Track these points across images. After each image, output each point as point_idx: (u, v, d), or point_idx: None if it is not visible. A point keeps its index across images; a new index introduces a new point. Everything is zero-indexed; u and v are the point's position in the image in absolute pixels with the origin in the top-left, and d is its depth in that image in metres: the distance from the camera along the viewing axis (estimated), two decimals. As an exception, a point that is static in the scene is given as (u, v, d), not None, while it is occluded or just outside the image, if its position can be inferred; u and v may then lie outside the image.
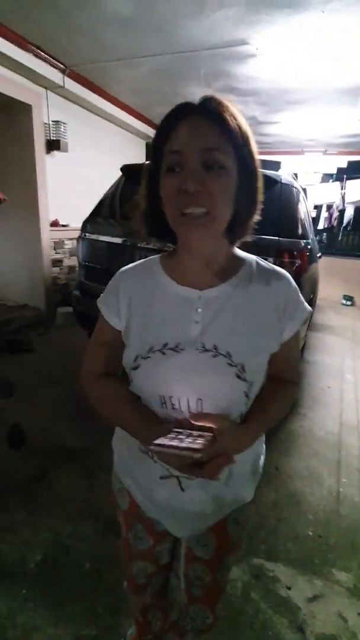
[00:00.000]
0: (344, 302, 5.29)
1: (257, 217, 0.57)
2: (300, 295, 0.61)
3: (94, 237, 2.29)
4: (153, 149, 0.52)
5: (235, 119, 0.49)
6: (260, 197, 0.55)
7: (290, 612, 1.15)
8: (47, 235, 3.50)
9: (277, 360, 0.60)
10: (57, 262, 3.69)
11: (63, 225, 3.63)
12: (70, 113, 3.50)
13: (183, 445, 0.45)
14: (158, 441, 0.46)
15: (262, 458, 0.70)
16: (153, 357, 0.56)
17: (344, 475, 1.78)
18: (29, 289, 3.67)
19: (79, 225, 2.39)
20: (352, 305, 5.26)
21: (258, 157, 0.53)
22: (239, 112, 0.50)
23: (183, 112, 0.49)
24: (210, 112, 0.48)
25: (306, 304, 0.62)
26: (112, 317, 0.61)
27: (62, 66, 3.01)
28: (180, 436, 0.48)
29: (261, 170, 0.54)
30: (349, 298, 5.28)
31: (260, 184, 0.54)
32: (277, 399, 0.62)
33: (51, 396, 2.31)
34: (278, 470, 1.78)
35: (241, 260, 0.61)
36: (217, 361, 0.54)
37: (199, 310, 0.56)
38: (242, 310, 0.57)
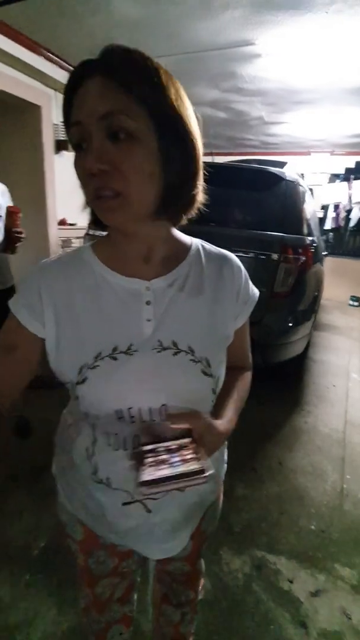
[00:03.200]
0: (352, 302, 5.24)
1: (200, 183, 0.47)
2: (249, 279, 0.58)
3: (98, 234, 2.33)
4: (64, 123, 0.44)
5: (142, 70, 0.39)
6: (200, 162, 0.46)
7: (292, 606, 1.14)
8: (55, 234, 3.55)
9: (233, 347, 0.57)
10: (64, 261, 3.75)
11: (70, 224, 3.68)
12: (79, 114, 3.57)
13: (180, 470, 0.38)
14: (147, 478, 0.37)
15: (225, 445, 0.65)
16: (103, 365, 0.47)
17: (348, 471, 1.76)
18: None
19: (86, 223, 2.43)
20: (359, 306, 5.22)
21: (191, 112, 0.43)
22: (153, 62, 0.40)
23: (87, 72, 0.39)
24: (110, 66, 0.39)
25: (255, 288, 0.59)
26: (32, 320, 0.48)
27: (70, 67, 3.08)
28: (160, 456, 0.41)
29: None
30: (356, 299, 5.24)
31: (198, 144, 0.44)
32: (242, 386, 0.60)
33: (56, 390, 2.34)
34: (281, 465, 1.77)
35: (186, 244, 0.55)
36: (179, 359, 0.48)
37: (149, 303, 0.49)
38: (197, 299, 0.51)
